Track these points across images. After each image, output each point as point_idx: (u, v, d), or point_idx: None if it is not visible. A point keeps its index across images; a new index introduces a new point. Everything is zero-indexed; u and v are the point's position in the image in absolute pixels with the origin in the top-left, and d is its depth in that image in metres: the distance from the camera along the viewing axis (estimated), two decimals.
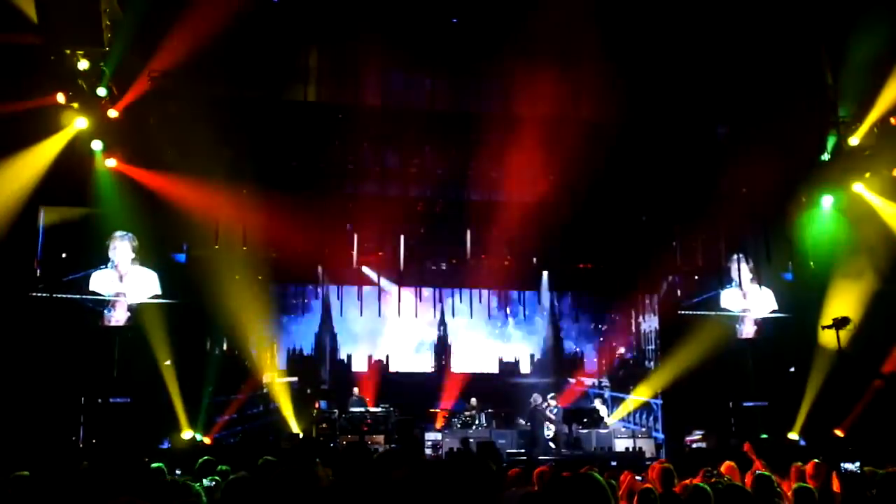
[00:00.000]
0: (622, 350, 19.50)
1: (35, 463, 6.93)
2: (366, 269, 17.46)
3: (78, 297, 13.25)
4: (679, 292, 17.03)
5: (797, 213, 15.31)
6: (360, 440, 14.45)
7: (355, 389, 17.31)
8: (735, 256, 16.10)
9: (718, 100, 14.48)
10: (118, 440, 12.30)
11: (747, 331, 16.01)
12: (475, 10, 13.36)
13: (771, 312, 16.00)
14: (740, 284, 16.06)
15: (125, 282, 13.67)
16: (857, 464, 4.88)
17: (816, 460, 7.49)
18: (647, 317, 18.38)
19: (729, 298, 16.13)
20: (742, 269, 16.11)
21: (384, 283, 17.79)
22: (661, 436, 16.22)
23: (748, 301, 16.09)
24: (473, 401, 17.29)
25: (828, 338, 14.43)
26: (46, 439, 11.37)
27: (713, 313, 16.06)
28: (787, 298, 15.92)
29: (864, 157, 14.28)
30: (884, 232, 14.22)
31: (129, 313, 13.57)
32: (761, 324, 16.01)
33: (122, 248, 13.67)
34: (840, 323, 7.36)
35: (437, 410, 17.55)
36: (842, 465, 4.92)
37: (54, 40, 11.42)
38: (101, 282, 13.50)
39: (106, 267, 13.58)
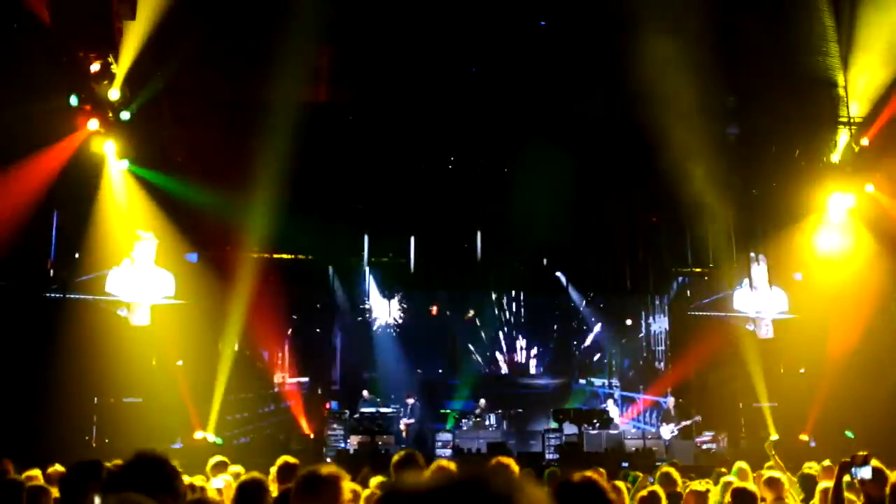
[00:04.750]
0: (633, 351, 19.45)
1: (48, 463, 7.02)
2: (371, 280, 17.56)
3: (91, 297, 13.28)
4: (689, 293, 16.97)
5: (808, 214, 15.21)
6: (371, 441, 14.47)
7: (364, 392, 17.29)
8: (753, 255, 15.93)
9: (729, 99, 14.46)
10: (131, 440, 12.35)
11: (765, 332, 15.77)
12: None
13: (781, 313, 15.86)
14: (752, 285, 15.91)
15: (142, 282, 13.59)
16: (869, 468, 4.84)
17: (827, 462, 7.48)
18: (658, 317, 18.35)
19: (742, 299, 15.97)
20: (754, 270, 15.96)
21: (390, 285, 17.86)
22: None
23: (761, 302, 15.91)
24: (483, 402, 17.28)
25: (837, 339, 14.55)
26: (60, 439, 11.41)
27: (724, 314, 15.96)
28: (797, 299, 15.80)
29: (875, 157, 14.19)
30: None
31: (143, 314, 13.53)
32: (773, 325, 15.86)
33: (145, 248, 13.55)
34: None
35: (448, 411, 17.55)
36: (853, 470, 4.87)
37: (67, 42, 11.48)
38: (118, 282, 13.43)
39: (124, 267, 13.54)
